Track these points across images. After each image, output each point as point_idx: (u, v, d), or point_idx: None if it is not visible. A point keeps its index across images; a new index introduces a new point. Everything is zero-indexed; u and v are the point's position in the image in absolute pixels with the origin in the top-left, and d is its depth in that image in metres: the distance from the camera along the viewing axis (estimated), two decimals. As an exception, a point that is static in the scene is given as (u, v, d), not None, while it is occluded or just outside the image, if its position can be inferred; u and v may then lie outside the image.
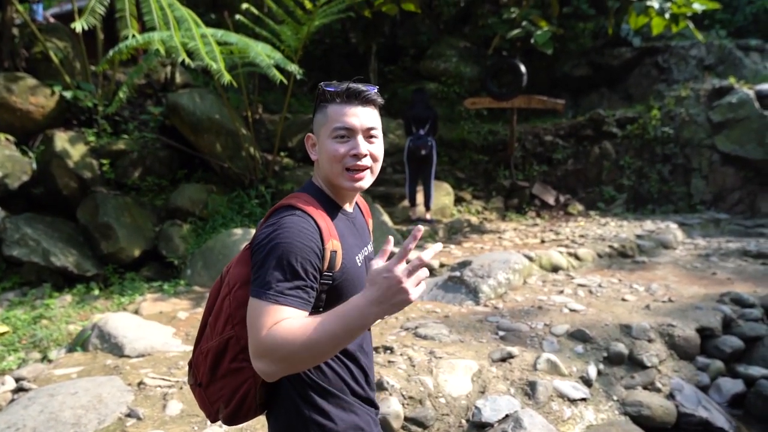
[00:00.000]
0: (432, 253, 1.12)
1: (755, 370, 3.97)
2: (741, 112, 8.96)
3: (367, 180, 1.40)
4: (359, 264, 1.42)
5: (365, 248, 1.50)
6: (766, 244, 6.98)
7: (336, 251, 1.32)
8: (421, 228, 1.15)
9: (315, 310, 1.29)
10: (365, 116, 1.37)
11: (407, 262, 1.11)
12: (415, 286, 1.10)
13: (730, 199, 9.04)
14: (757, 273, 5.80)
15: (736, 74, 10.24)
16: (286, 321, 1.17)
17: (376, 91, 1.41)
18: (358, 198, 1.63)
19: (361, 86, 1.38)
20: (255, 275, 1.24)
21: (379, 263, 1.12)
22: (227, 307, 1.36)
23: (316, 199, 1.38)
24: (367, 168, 1.39)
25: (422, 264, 1.09)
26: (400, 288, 1.08)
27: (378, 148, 1.41)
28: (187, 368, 3.47)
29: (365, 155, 1.37)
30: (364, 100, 1.38)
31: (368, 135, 1.38)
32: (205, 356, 1.40)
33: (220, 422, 1.44)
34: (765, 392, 3.72)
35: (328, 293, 1.33)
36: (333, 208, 1.42)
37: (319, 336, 1.11)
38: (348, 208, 1.48)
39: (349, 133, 1.36)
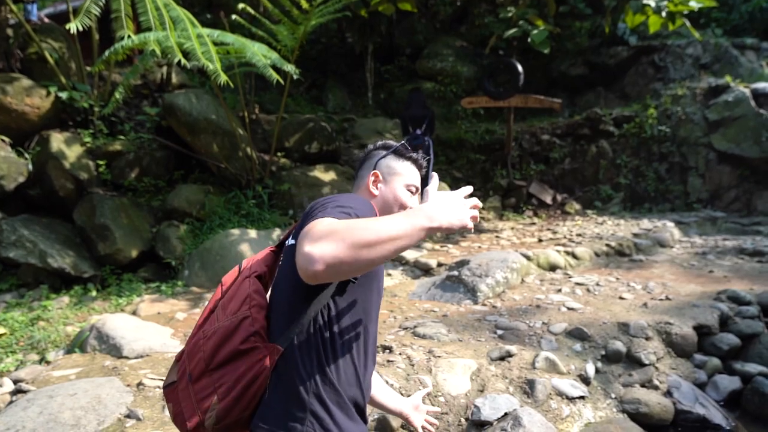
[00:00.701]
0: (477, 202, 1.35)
1: (752, 367, 3.98)
2: (737, 110, 8.99)
3: None
4: None
5: None
6: (763, 242, 7.01)
7: None
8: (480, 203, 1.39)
9: (350, 283, 1.37)
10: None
11: None
12: (468, 212, 1.27)
13: (726, 197, 9.07)
14: (754, 271, 5.83)
15: (732, 73, 10.27)
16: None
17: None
18: None
19: (422, 160, 1.73)
20: (319, 211, 1.28)
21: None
22: (247, 287, 1.40)
23: None
24: None
25: (473, 202, 1.32)
26: (461, 206, 1.26)
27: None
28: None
29: None
30: (420, 168, 1.73)
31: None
32: (208, 339, 1.35)
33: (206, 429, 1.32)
34: (761, 389, 3.73)
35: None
36: None
37: (383, 223, 1.14)
38: None
39: (413, 191, 1.67)
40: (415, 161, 1.70)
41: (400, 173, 1.66)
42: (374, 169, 1.65)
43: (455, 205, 1.25)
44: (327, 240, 1.09)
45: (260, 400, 1.33)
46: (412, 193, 1.66)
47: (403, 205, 1.62)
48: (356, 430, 1.38)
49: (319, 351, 1.35)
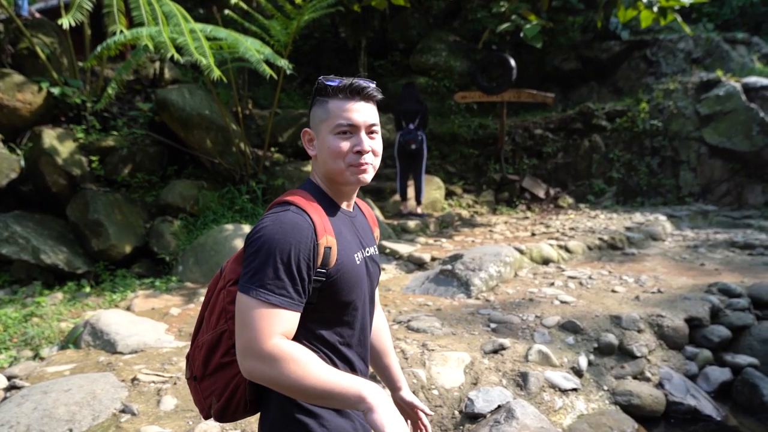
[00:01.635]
0: None
1: (742, 359, 4.04)
2: (728, 104, 9.05)
3: (369, 174, 1.39)
4: (357, 262, 1.40)
5: (368, 249, 1.49)
6: (753, 235, 7.08)
7: (331, 247, 1.31)
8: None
9: (308, 306, 1.28)
10: (367, 112, 1.37)
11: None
12: None
13: (717, 191, 9.14)
14: (744, 263, 5.89)
15: (723, 67, 10.33)
16: (294, 346, 1.19)
17: (376, 86, 1.41)
18: (364, 206, 1.64)
19: (362, 82, 1.37)
20: (245, 269, 1.24)
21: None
22: (221, 301, 1.37)
23: (314, 196, 1.38)
24: (370, 164, 1.39)
25: None
26: (403, 427, 1.15)
27: (378, 144, 1.41)
28: (183, 363, 3.48)
29: (368, 151, 1.36)
30: (366, 96, 1.37)
31: (370, 131, 1.38)
32: (200, 349, 1.41)
33: (212, 418, 1.44)
34: (751, 380, 3.79)
35: (322, 290, 1.32)
36: (331, 206, 1.41)
37: (314, 382, 1.15)
38: (346, 207, 1.47)
39: (352, 129, 1.34)
40: (341, 90, 1.34)
41: (324, 118, 1.36)
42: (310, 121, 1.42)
43: (400, 424, 1.15)
44: (264, 369, 1.17)
45: (251, 399, 1.39)
46: (346, 132, 1.34)
47: (339, 154, 1.34)
48: (347, 426, 1.39)
49: None
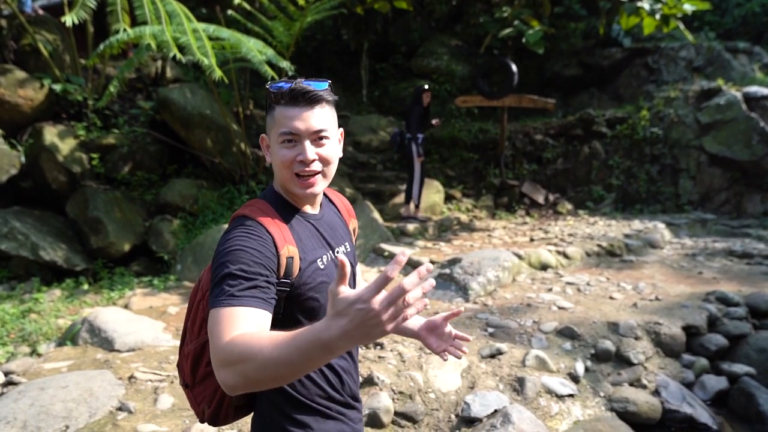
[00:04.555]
0: (416, 279, 0.88)
1: (738, 368, 4.04)
2: (728, 113, 9.07)
3: (319, 185, 1.35)
4: (322, 266, 1.37)
5: (337, 249, 1.45)
6: (751, 245, 7.09)
7: (293, 257, 1.28)
8: (406, 255, 0.93)
9: (275, 316, 1.23)
10: (312, 118, 1.29)
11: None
12: (394, 319, 0.89)
13: (716, 199, 9.16)
14: (742, 272, 5.90)
15: (724, 76, 10.36)
16: (247, 333, 1.07)
17: (327, 87, 1.33)
18: (341, 199, 1.60)
19: (306, 85, 1.28)
20: (211, 285, 1.20)
21: (346, 290, 0.91)
22: (201, 311, 1.37)
23: (272, 204, 1.35)
24: (318, 173, 1.33)
25: (404, 292, 0.86)
26: (376, 321, 0.88)
27: (329, 149, 1.34)
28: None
29: (313, 160, 1.30)
30: (310, 100, 1.29)
31: (317, 138, 1.31)
32: (186, 358, 1.43)
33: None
34: (747, 389, 3.79)
35: (287, 300, 1.30)
36: (290, 212, 1.38)
37: (276, 362, 0.97)
38: (310, 210, 1.43)
39: (295, 138, 1.29)
40: (282, 96, 1.29)
41: (272, 125, 1.32)
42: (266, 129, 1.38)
43: (370, 324, 0.88)
44: (229, 370, 1.04)
45: (237, 405, 1.42)
46: (289, 140, 1.29)
47: (284, 164, 1.30)
48: (335, 428, 1.38)
49: None
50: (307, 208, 1.43)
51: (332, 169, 1.38)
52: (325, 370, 1.39)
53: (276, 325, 1.24)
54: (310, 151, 1.30)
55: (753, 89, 9.31)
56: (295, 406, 1.34)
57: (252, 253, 1.21)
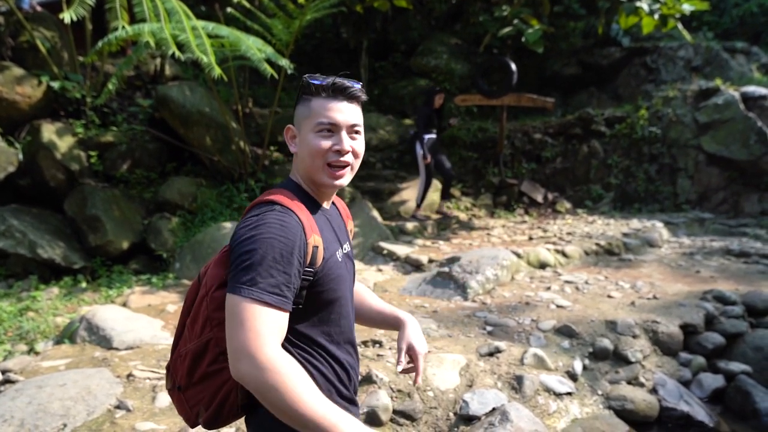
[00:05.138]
0: None
1: (735, 366, 4.06)
2: (726, 113, 9.08)
3: (346, 177, 1.40)
4: (339, 260, 1.42)
5: (344, 245, 1.50)
6: (749, 244, 7.11)
7: (318, 246, 1.32)
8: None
9: (295, 308, 1.28)
10: (350, 112, 1.36)
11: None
12: None
13: (714, 198, 9.17)
14: (739, 271, 5.91)
15: (722, 76, 10.37)
16: (290, 361, 1.15)
17: (360, 87, 1.40)
18: (339, 200, 1.63)
19: (346, 81, 1.36)
20: (236, 270, 1.21)
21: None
22: (204, 309, 1.33)
23: (296, 195, 1.37)
24: (349, 165, 1.39)
25: None
26: None
27: (360, 145, 1.41)
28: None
29: (348, 151, 1.37)
30: (349, 96, 1.36)
31: (352, 131, 1.38)
32: (183, 359, 1.37)
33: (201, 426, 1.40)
34: (744, 387, 3.81)
35: (309, 289, 1.32)
36: (312, 205, 1.41)
37: (295, 412, 1.10)
38: (326, 205, 1.48)
39: (333, 128, 1.35)
40: (324, 88, 1.35)
41: (306, 115, 1.36)
42: (296, 119, 1.41)
43: None
44: (257, 376, 1.12)
45: (243, 404, 1.36)
46: (327, 131, 1.35)
47: (318, 153, 1.34)
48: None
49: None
50: (324, 204, 1.47)
51: (358, 164, 1.45)
52: (335, 366, 1.41)
53: (295, 315, 1.29)
54: (347, 141, 1.36)
55: (751, 89, 9.32)
56: None
57: (285, 243, 1.23)
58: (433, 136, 7.66)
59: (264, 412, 1.35)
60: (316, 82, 1.35)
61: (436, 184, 8.77)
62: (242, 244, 1.23)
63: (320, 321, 1.38)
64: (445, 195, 8.31)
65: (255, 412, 1.37)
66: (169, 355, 3.65)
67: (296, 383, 1.12)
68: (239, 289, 1.18)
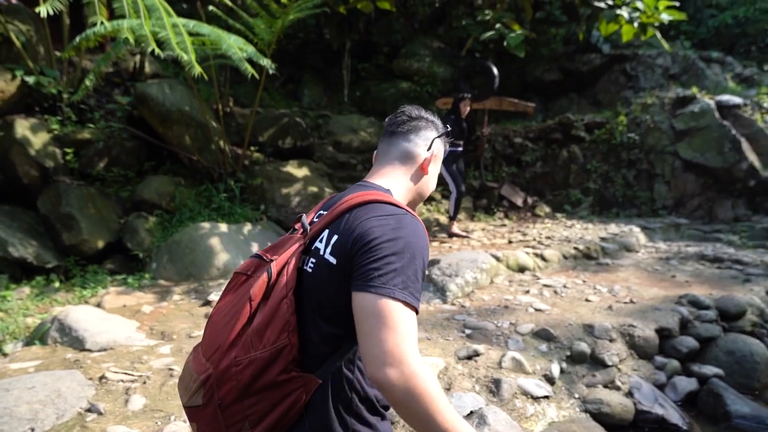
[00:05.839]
0: None
1: (708, 369, 4.13)
2: (702, 121, 9.26)
3: None
4: None
5: None
6: (722, 249, 7.25)
7: None
8: None
9: None
10: None
11: None
12: None
13: (690, 204, 9.34)
14: (713, 276, 6.02)
15: (698, 84, 10.58)
16: (433, 375, 1.18)
17: None
18: None
19: None
20: (383, 269, 1.17)
21: None
22: (285, 311, 1.25)
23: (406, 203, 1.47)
24: None
25: None
26: None
27: None
28: (155, 362, 3.39)
29: None
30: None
31: None
32: (243, 368, 1.23)
33: (186, 419, 1.34)
34: (716, 390, 3.87)
35: None
36: None
37: (440, 423, 1.09)
38: None
39: None
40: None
41: (441, 150, 1.59)
42: (430, 149, 1.53)
43: None
44: (401, 371, 1.09)
45: (294, 424, 1.28)
46: None
47: (431, 188, 1.59)
48: (387, 429, 1.39)
49: (362, 371, 1.32)
50: None
51: None
52: None
53: None
54: None
55: (725, 98, 9.51)
56: (365, 405, 1.33)
57: (425, 251, 1.27)
58: (458, 149, 7.18)
59: (324, 412, 1.28)
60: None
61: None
62: (389, 244, 1.20)
63: None
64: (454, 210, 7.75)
65: (316, 413, 1.29)
66: (143, 356, 3.58)
67: (440, 395, 1.11)
68: (392, 290, 1.15)
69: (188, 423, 2.71)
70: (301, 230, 1.42)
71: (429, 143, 1.53)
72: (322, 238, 1.33)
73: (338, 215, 1.33)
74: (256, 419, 1.24)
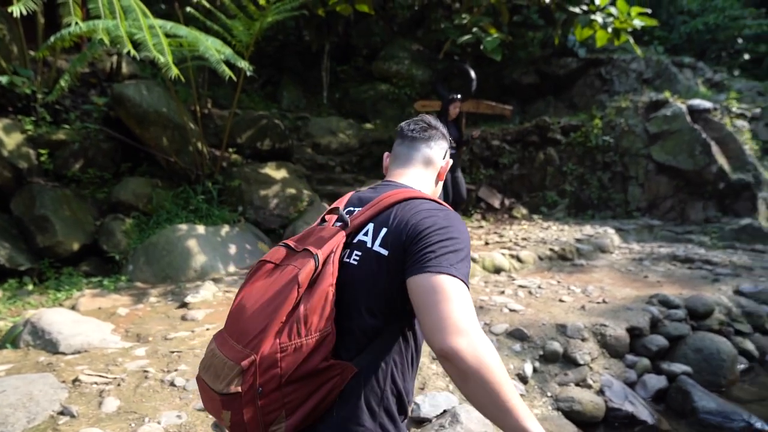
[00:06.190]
0: None
1: (677, 367, 4.24)
2: (674, 124, 9.48)
3: None
4: None
5: None
6: (693, 250, 7.43)
7: None
8: None
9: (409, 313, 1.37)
10: None
11: None
12: None
13: (663, 206, 9.55)
14: (684, 276, 6.17)
15: (671, 89, 10.82)
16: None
17: None
18: None
19: None
20: (440, 252, 1.23)
21: None
22: (331, 300, 1.26)
23: None
24: None
25: None
26: None
27: None
28: (129, 364, 3.37)
29: None
30: None
31: None
32: (287, 355, 1.21)
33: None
34: (684, 387, 3.98)
35: None
36: None
37: (506, 393, 1.10)
38: None
39: None
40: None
41: (448, 167, 1.69)
42: (444, 158, 1.65)
43: None
44: (470, 340, 1.11)
45: (326, 411, 1.29)
46: None
47: (438, 195, 1.67)
48: (405, 430, 1.43)
49: (396, 365, 1.35)
50: None
51: None
52: (415, 366, 1.44)
53: (406, 320, 1.36)
54: None
55: (696, 102, 9.75)
56: (395, 400, 1.35)
57: (469, 242, 1.35)
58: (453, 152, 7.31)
59: (355, 406, 1.29)
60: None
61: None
62: (442, 231, 1.28)
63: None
64: None
65: (347, 407, 1.29)
66: (118, 359, 3.56)
67: (504, 368, 1.13)
68: (449, 269, 1.21)
69: (159, 423, 2.66)
70: (338, 223, 1.41)
71: (444, 153, 1.64)
72: (367, 231, 1.36)
73: (382, 209, 1.38)
74: (292, 407, 1.23)
